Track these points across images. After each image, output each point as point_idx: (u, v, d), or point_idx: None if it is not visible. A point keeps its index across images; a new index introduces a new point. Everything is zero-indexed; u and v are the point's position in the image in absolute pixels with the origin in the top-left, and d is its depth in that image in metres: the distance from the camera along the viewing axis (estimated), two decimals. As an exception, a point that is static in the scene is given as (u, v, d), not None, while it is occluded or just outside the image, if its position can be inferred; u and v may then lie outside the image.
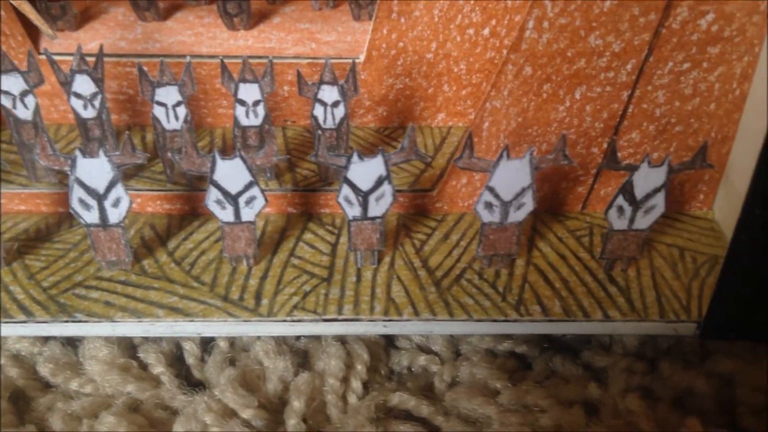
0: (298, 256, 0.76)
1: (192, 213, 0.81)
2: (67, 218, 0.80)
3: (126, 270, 0.73)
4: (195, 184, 0.80)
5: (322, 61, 0.85)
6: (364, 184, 0.69)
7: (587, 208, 0.81)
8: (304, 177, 0.83)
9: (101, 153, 0.66)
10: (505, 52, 0.85)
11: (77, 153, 0.66)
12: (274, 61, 0.85)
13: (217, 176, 0.68)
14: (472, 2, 0.80)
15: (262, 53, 0.85)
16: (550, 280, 0.73)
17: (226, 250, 0.73)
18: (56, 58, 0.81)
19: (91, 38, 0.85)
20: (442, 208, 0.81)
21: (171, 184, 0.80)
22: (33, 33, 0.85)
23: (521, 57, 0.70)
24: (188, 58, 0.73)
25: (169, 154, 0.77)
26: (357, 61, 0.85)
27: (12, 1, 0.62)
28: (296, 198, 0.80)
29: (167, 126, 0.76)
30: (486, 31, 0.83)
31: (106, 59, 0.84)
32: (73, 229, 0.78)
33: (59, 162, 0.68)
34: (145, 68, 0.74)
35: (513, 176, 0.67)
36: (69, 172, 0.67)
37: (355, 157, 0.67)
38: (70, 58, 0.83)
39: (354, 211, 0.70)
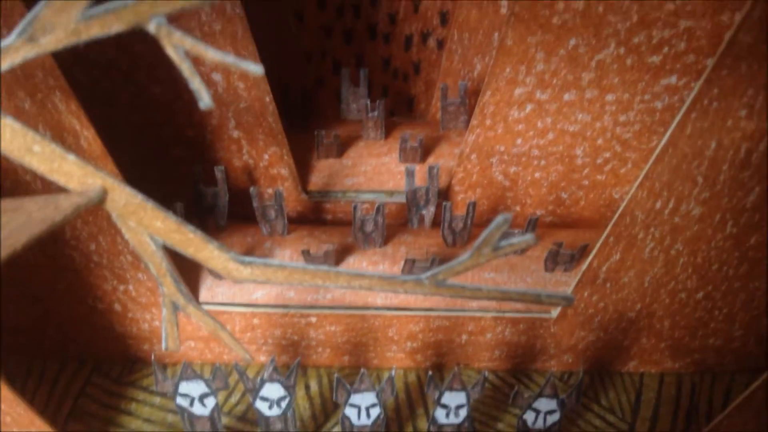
0: None
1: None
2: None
3: None
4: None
5: (509, 315, 0.77)
6: None
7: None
8: (497, 448, 0.76)
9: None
10: (717, 312, 0.76)
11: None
12: (456, 314, 0.77)
13: None
14: (689, 271, 0.71)
15: (443, 306, 0.77)
16: None
17: None
18: (220, 309, 0.75)
19: (259, 286, 0.78)
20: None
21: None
22: (192, 281, 0.78)
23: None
24: (393, 370, 0.65)
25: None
26: (549, 317, 0.77)
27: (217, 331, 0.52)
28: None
29: (356, 423, 0.69)
30: (700, 295, 0.74)
31: (272, 310, 0.77)
32: None
33: None
34: (342, 378, 0.66)
35: None
36: None
37: None
38: (234, 309, 0.77)
39: None
